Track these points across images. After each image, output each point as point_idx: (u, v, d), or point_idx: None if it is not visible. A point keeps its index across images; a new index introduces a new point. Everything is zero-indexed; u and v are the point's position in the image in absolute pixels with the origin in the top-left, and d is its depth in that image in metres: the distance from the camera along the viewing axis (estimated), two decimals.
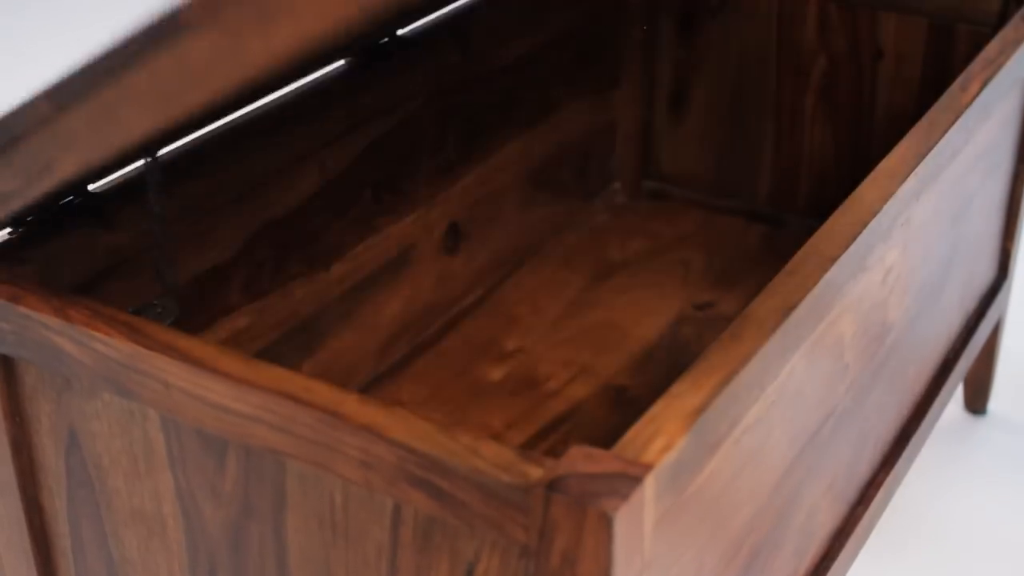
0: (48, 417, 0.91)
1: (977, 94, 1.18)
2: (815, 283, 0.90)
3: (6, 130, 0.78)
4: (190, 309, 1.09)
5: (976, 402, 1.68)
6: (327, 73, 1.22)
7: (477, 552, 0.75)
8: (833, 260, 0.93)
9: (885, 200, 1.01)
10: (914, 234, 1.15)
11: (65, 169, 0.78)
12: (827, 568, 1.14)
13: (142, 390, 0.83)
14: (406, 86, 1.28)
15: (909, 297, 1.19)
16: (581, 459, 0.71)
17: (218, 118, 1.11)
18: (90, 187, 1.01)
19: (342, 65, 1.24)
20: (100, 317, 0.84)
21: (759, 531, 0.97)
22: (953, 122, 1.14)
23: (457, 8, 1.37)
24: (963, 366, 1.45)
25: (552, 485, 0.69)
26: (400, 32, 1.29)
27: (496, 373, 1.37)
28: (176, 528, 0.89)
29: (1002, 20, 1.41)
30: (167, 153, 1.07)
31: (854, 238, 0.96)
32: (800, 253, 0.94)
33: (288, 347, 1.22)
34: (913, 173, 1.05)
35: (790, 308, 0.87)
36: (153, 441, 0.86)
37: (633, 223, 1.64)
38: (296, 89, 1.18)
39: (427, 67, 1.30)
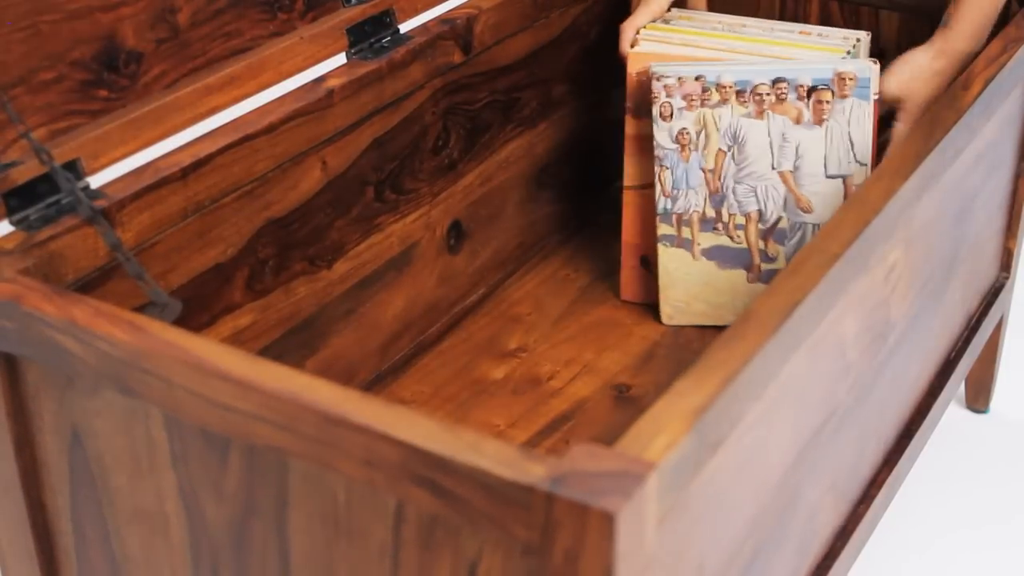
0: (51, 415, 0.91)
1: (979, 93, 1.18)
2: (817, 281, 0.90)
3: None
4: (192, 307, 1.09)
5: (978, 400, 1.68)
6: (329, 71, 1.22)
7: (480, 550, 0.75)
8: (836, 258, 0.93)
9: (887, 198, 1.01)
10: (916, 232, 1.15)
11: None
12: (829, 566, 1.14)
13: (145, 388, 0.83)
14: (408, 84, 1.28)
15: (911, 295, 1.19)
16: (583, 457, 0.71)
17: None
18: (91, 185, 1.01)
19: (344, 63, 1.24)
20: (103, 315, 0.84)
21: (761, 529, 0.97)
22: (955, 121, 1.13)
23: (459, 6, 1.37)
24: (965, 365, 1.45)
25: (555, 483, 0.69)
26: (402, 30, 1.29)
27: (498, 372, 1.37)
28: (179, 526, 0.89)
29: (1004, 18, 1.41)
30: (171, 152, 1.07)
31: (857, 236, 0.96)
32: (802, 251, 0.94)
33: (290, 345, 1.22)
34: (915, 172, 1.05)
35: (792, 306, 0.87)
36: (156, 439, 0.86)
37: None
38: (298, 86, 1.18)
39: (429, 65, 1.30)
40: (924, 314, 1.26)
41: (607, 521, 0.68)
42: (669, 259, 1.41)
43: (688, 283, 1.41)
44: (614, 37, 1.42)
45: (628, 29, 1.38)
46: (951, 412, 1.67)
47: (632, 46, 1.37)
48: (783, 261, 1.38)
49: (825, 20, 1.53)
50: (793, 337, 0.88)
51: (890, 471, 1.25)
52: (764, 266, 1.39)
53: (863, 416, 1.15)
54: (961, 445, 1.63)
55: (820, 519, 1.11)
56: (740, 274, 1.40)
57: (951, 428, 1.64)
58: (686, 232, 1.39)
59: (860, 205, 1.00)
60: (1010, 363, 1.73)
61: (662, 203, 1.38)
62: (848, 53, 1.34)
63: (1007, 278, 1.54)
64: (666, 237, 1.40)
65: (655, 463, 0.72)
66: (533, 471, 0.70)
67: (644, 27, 1.39)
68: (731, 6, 1.57)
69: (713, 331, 1.42)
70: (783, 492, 0.99)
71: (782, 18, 1.56)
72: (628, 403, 1.33)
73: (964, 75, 1.21)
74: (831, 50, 1.34)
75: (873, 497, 1.22)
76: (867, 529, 1.21)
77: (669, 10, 1.43)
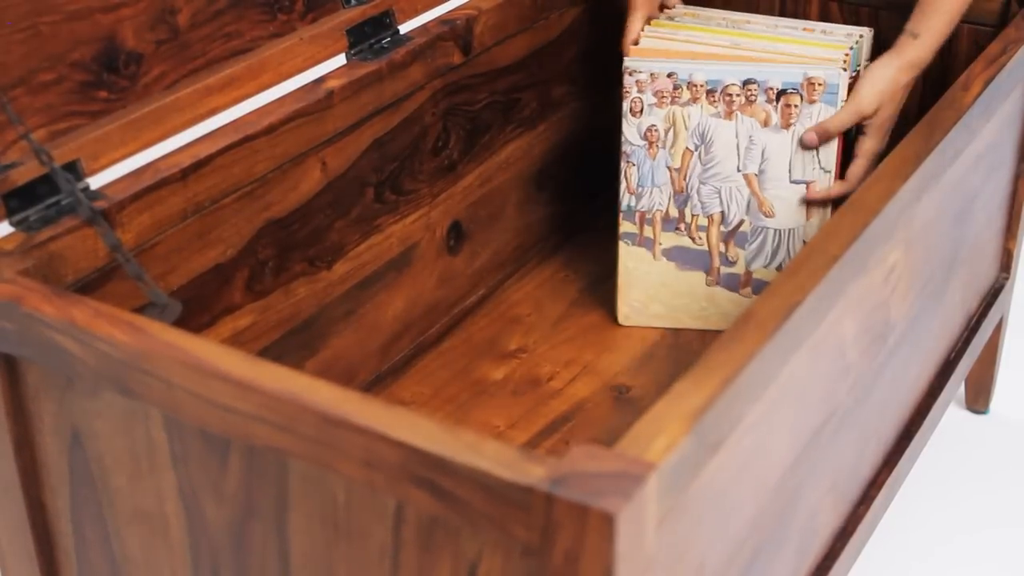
0: (51, 416, 0.91)
1: (979, 94, 1.18)
2: (817, 283, 0.90)
3: None
4: (192, 308, 1.09)
5: (978, 401, 1.68)
6: (329, 72, 1.22)
7: (479, 551, 0.75)
8: (835, 259, 0.93)
9: (887, 199, 1.01)
10: (916, 234, 1.15)
11: None
12: (829, 567, 1.14)
13: (145, 389, 0.83)
14: (408, 85, 1.28)
15: (911, 296, 1.19)
16: (583, 458, 0.71)
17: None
18: (91, 186, 1.01)
19: (344, 63, 1.24)
20: (102, 316, 0.84)
21: (761, 530, 0.97)
22: (955, 122, 1.14)
23: (459, 7, 1.37)
24: (965, 365, 1.45)
25: (555, 484, 0.69)
26: (402, 31, 1.29)
27: (498, 372, 1.37)
28: (179, 527, 0.89)
29: (1003, 19, 1.41)
30: (171, 153, 1.07)
31: (856, 237, 0.96)
32: (802, 252, 0.94)
33: (290, 346, 1.22)
34: (915, 172, 1.05)
35: (792, 308, 0.87)
36: (155, 440, 0.86)
37: None
38: (298, 87, 1.18)
39: (429, 66, 1.30)
40: (924, 315, 1.26)
41: (607, 522, 0.68)
42: (629, 258, 1.40)
43: (647, 283, 1.41)
44: (613, 38, 1.42)
45: (628, 40, 1.37)
46: (951, 413, 1.67)
47: (635, 43, 1.37)
48: (743, 265, 1.38)
49: (824, 20, 1.53)
50: (793, 338, 0.88)
51: (890, 472, 1.25)
52: (723, 270, 1.39)
53: (863, 417, 1.15)
54: (961, 446, 1.63)
55: (820, 520, 1.11)
56: (699, 276, 1.40)
57: (951, 429, 1.64)
58: (648, 231, 1.39)
59: (859, 206, 1.00)
60: (1010, 364, 1.73)
61: (626, 200, 1.38)
62: (851, 49, 1.34)
63: (1007, 279, 1.55)
64: (627, 235, 1.40)
65: (655, 464, 0.72)
66: (533, 472, 0.70)
67: (648, 24, 1.39)
68: (731, 7, 1.57)
69: (713, 333, 1.42)
70: (783, 493, 0.99)
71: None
72: (628, 404, 1.33)
73: (964, 76, 1.21)
74: (834, 47, 1.34)
75: (873, 498, 1.22)
76: (867, 530, 1.21)
77: (674, 7, 1.43)
